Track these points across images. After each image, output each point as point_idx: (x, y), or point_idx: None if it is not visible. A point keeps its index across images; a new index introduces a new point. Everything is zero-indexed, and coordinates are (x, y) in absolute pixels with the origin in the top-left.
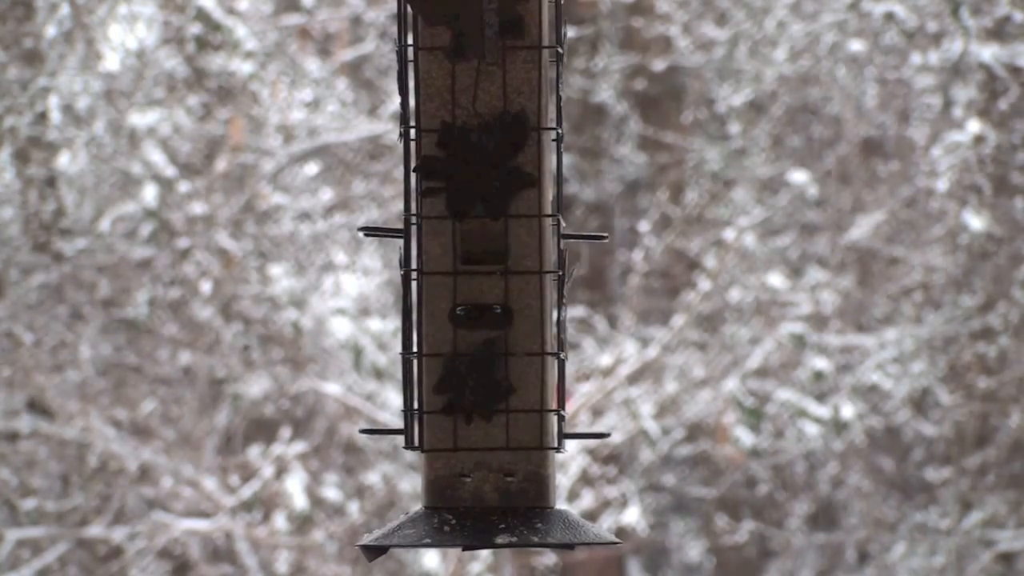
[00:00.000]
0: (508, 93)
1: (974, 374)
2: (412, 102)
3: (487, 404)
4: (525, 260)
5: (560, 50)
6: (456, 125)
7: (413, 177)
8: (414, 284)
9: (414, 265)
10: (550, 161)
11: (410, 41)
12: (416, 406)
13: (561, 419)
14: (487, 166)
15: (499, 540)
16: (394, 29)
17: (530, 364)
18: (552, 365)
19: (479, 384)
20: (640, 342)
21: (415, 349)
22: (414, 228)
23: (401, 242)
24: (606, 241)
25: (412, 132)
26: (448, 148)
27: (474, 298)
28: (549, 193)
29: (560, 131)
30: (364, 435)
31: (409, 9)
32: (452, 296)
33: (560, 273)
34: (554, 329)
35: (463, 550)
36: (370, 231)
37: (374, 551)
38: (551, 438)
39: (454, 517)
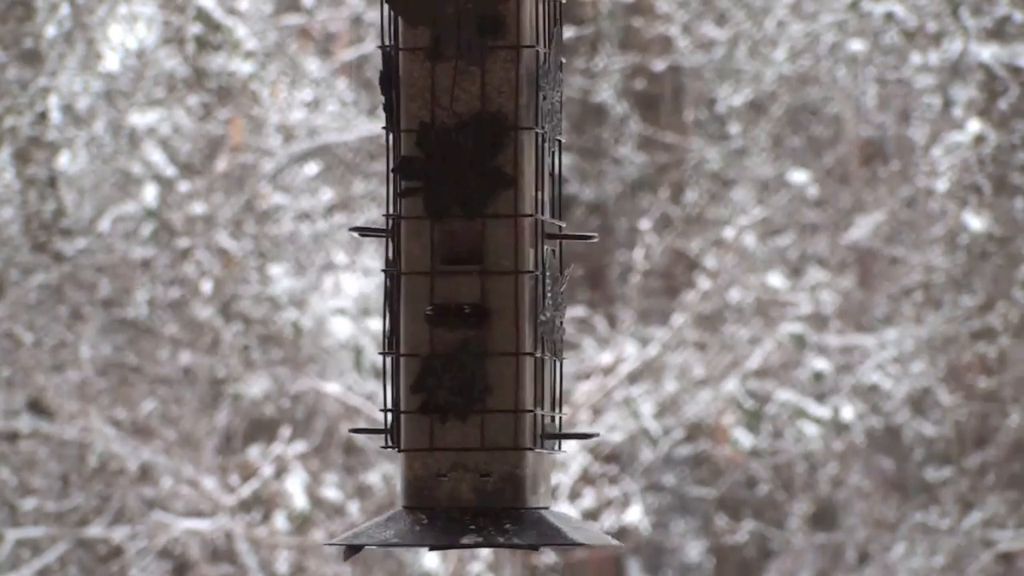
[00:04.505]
0: (487, 93)
1: (974, 374)
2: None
3: (463, 404)
4: (502, 260)
5: (546, 50)
6: (435, 125)
7: (395, 177)
8: (395, 283)
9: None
10: (529, 161)
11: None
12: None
13: (554, 420)
14: (465, 166)
15: (465, 540)
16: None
17: (506, 364)
18: (528, 365)
19: (455, 384)
20: (640, 342)
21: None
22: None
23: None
24: (595, 240)
25: (395, 132)
26: (427, 148)
27: (452, 298)
28: (528, 193)
29: (560, 134)
30: (364, 435)
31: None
32: (431, 296)
33: (546, 273)
34: (531, 329)
35: (429, 550)
36: (361, 231)
37: (349, 550)
38: (526, 438)
39: (427, 517)
